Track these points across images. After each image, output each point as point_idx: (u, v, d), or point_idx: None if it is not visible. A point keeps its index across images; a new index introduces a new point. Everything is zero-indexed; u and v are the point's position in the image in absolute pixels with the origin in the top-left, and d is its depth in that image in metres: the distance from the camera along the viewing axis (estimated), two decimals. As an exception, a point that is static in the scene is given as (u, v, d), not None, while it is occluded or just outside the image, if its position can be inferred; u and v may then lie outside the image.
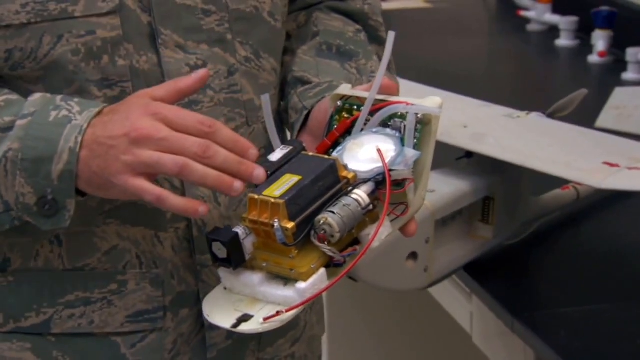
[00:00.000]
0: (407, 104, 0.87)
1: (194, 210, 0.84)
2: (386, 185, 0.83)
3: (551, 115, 1.37)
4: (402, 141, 0.86)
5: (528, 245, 1.35)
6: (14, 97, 0.89)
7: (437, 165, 1.24)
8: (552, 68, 2.28)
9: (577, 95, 1.40)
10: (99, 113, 0.86)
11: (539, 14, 2.38)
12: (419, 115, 0.87)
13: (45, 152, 0.85)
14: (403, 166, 0.85)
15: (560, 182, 1.36)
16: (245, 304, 0.83)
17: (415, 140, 0.87)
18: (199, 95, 0.94)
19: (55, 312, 0.95)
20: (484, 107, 1.40)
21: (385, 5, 1.15)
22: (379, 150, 0.85)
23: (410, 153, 0.85)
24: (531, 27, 2.42)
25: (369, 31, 1.09)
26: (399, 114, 0.88)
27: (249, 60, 0.98)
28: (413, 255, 1.16)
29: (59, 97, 0.88)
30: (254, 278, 0.83)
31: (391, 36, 0.89)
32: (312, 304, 1.10)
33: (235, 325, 0.82)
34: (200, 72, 0.87)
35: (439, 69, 2.11)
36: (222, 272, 0.85)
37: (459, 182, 1.23)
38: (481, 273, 1.29)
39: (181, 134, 0.83)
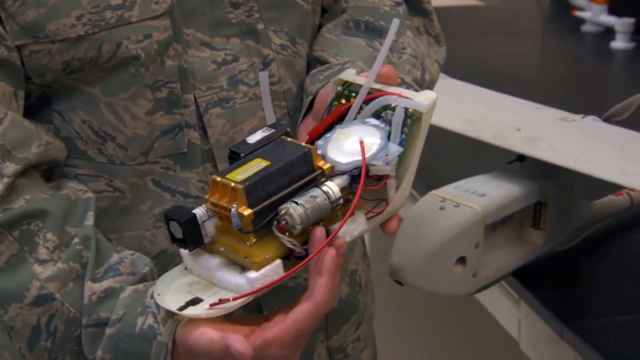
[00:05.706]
0: (400, 95, 0.84)
1: None
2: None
3: (607, 119, 1.35)
4: (389, 135, 0.82)
5: (579, 251, 1.33)
6: (117, 285, 0.86)
7: (488, 168, 1.23)
8: (607, 71, 2.24)
9: (634, 100, 1.37)
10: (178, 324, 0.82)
11: (595, 15, 2.34)
12: (409, 110, 0.83)
13: None
14: (382, 162, 0.81)
15: (613, 187, 1.33)
16: (201, 287, 0.80)
17: (404, 136, 0.83)
18: (229, 92, 0.93)
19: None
20: (537, 110, 1.37)
21: (436, 2, 1.11)
22: (361, 143, 0.81)
23: (393, 149, 0.81)
24: (586, 28, 2.38)
25: (412, 2, 1.05)
26: (392, 105, 0.84)
27: (285, 47, 0.96)
28: (462, 260, 1.14)
29: (149, 293, 0.84)
30: (211, 262, 0.80)
31: (395, 23, 0.85)
32: (365, 284, 1.08)
33: (182, 308, 0.79)
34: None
35: (490, 69, 2.08)
36: (183, 252, 0.81)
37: (510, 186, 1.20)
38: (530, 279, 1.26)
39: None
